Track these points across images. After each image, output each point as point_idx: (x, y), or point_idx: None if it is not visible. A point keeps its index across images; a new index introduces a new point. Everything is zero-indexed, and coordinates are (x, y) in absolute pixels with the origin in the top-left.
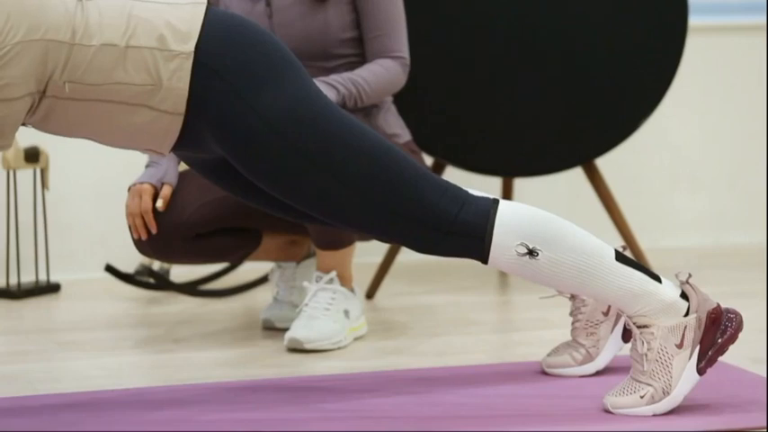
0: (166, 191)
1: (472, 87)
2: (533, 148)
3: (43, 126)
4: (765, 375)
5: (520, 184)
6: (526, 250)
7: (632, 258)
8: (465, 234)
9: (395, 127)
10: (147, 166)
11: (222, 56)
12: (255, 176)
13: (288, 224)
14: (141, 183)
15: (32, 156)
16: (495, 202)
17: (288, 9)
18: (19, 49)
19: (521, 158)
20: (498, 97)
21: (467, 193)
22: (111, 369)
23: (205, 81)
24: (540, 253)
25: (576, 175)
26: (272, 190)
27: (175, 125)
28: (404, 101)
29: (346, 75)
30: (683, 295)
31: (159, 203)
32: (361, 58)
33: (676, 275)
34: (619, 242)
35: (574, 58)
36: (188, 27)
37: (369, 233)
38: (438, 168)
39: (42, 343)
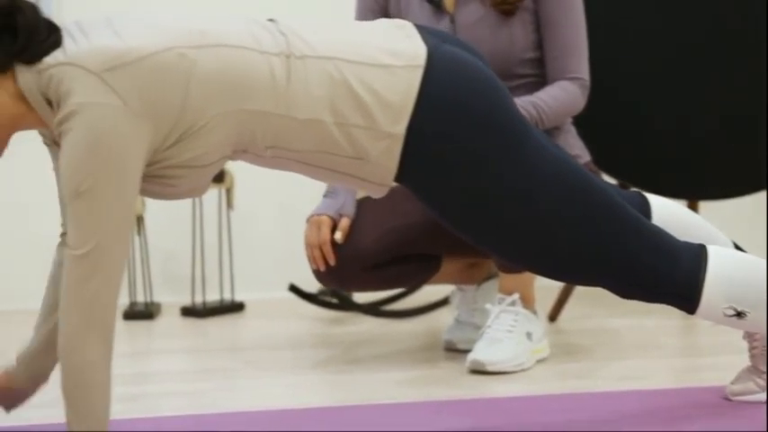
0: (345, 223)
1: (655, 107)
2: (720, 171)
3: (247, 162)
4: None
5: (704, 204)
6: (734, 312)
7: None
8: (672, 293)
9: (575, 148)
10: (324, 196)
11: (436, 130)
12: (452, 226)
13: (467, 248)
14: (320, 214)
15: (218, 176)
16: (704, 257)
17: (473, 26)
18: (217, 121)
19: (708, 181)
20: (683, 117)
21: (676, 245)
22: (293, 388)
23: (415, 157)
24: (747, 314)
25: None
26: (469, 239)
27: (382, 191)
28: (584, 121)
29: (527, 98)
30: None
31: (338, 236)
32: (540, 79)
33: None
34: None
35: (765, 76)
36: (401, 101)
37: (570, 283)
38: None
39: (226, 361)
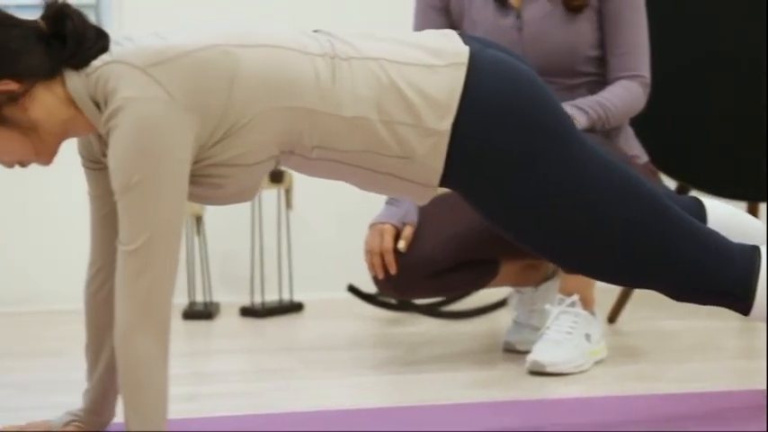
0: (408, 231)
1: (714, 106)
2: None
3: (293, 170)
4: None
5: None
6: None
7: None
8: (726, 294)
9: (634, 148)
10: (387, 203)
11: (481, 127)
12: (504, 231)
13: (526, 251)
14: (383, 222)
15: (277, 176)
16: (758, 257)
17: (540, 22)
18: (262, 119)
19: None
20: (743, 117)
21: (729, 246)
22: (351, 388)
23: (461, 152)
24: None
25: None
26: (521, 243)
27: (428, 193)
28: (641, 121)
29: (593, 98)
30: None
31: (401, 245)
32: (601, 78)
33: None
34: None
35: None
36: (446, 97)
37: (621, 285)
38: (681, 193)
39: (284, 361)
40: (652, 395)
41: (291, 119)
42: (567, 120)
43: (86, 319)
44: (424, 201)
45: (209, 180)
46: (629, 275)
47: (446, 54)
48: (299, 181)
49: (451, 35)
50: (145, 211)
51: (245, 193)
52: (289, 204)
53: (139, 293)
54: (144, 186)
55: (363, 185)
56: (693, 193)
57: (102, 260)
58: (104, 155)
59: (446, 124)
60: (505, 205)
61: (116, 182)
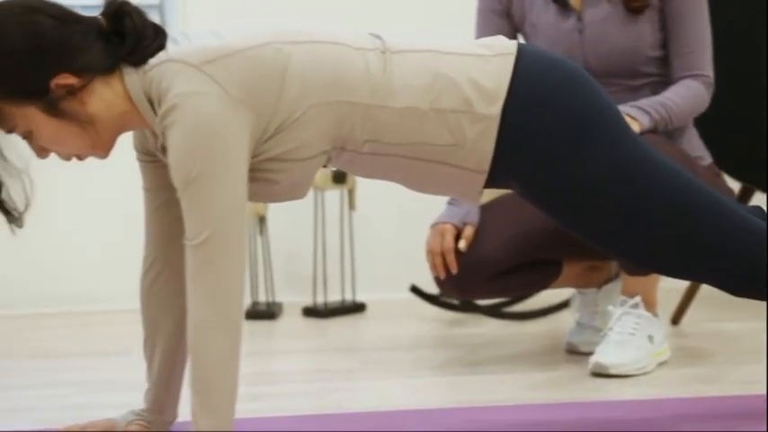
0: (469, 231)
1: None
2: None
3: (345, 169)
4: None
5: None
6: None
7: None
8: None
9: (698, 149)
10: (448, 203)
11: (530, 115)
12: (561, 224)
13: (589, 251)
14: (444, 222)
15: (340, 177)
16: None
17: (601, 23)
18: (314, 113)
19: None
20: None
21: None
22: (413, 389)
23: (511, 139)
24: None
25: None
26: (579, 236)
27: (480, 180)
28: (704, 121)
29: (656, 98)
30: None
31: (462, 244)
32: (664, 79)
33: None
34: None
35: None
36: (495, 85)
37: (674, 277)
38: (746, 194)
39: (346, 362)
40: (714, 397)
41: (343, 113)
42: (615, 111)
43: (142, 314)
44: (473, 194)
45: (264, 175)
46: (680, 267)
47: (495, 47)
48: (362, 181)
49: (500, 37)
50: (206, 204)
51: (298, 190)
52: (352, 205)
53: (208, 287)
54: (203, 180)
55: (413, 182)
56: (758, 194)
57: (155, 253)
58: (159, 149)
59: (496, 109)
60: (553, 189)
61: (176, 178)
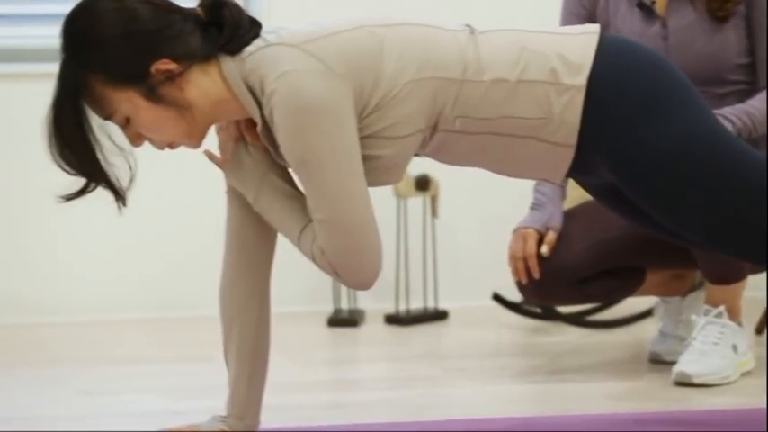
0: (551, 236)
1: None
2: None
3: (436, 157)
4: None
5: None
6: None
7: None
8: None
9: None
10: (531, 209)
11: (615, 86)
12: (647, 205)
13: (673, 259)
14: (526, 227)
15: (423, 184)
16: None
17: (686, 30)
18: (410, 89)
19: None
20: None
21: None
22: (496, 397)
23: (597, 112)
24: None
25: None
26: (662, 219)
27: (567, 156)
28: None
29: (739, 106)
30: None
31: (544, 249)
32: (751, 87)
33: None
34: None
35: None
36: (580, 59)
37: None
38: None
39: (428, 369)
40: None
41: (436, 89)
42: (697, 92)
43: (220, 316)
44: (560, 173)
45: (363, 152)
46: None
47: (578, 29)
48: (445, 189)
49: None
50: (325, 178)
51: (393, 172)
52: (434, 212)
53: (341, 256)
54: (316, 153)
55: (501, 163)
56: None
57: (231, 256)
58: (264, 138)
59: (581, 79)
60: (637, 163)
61: (289, 158)
